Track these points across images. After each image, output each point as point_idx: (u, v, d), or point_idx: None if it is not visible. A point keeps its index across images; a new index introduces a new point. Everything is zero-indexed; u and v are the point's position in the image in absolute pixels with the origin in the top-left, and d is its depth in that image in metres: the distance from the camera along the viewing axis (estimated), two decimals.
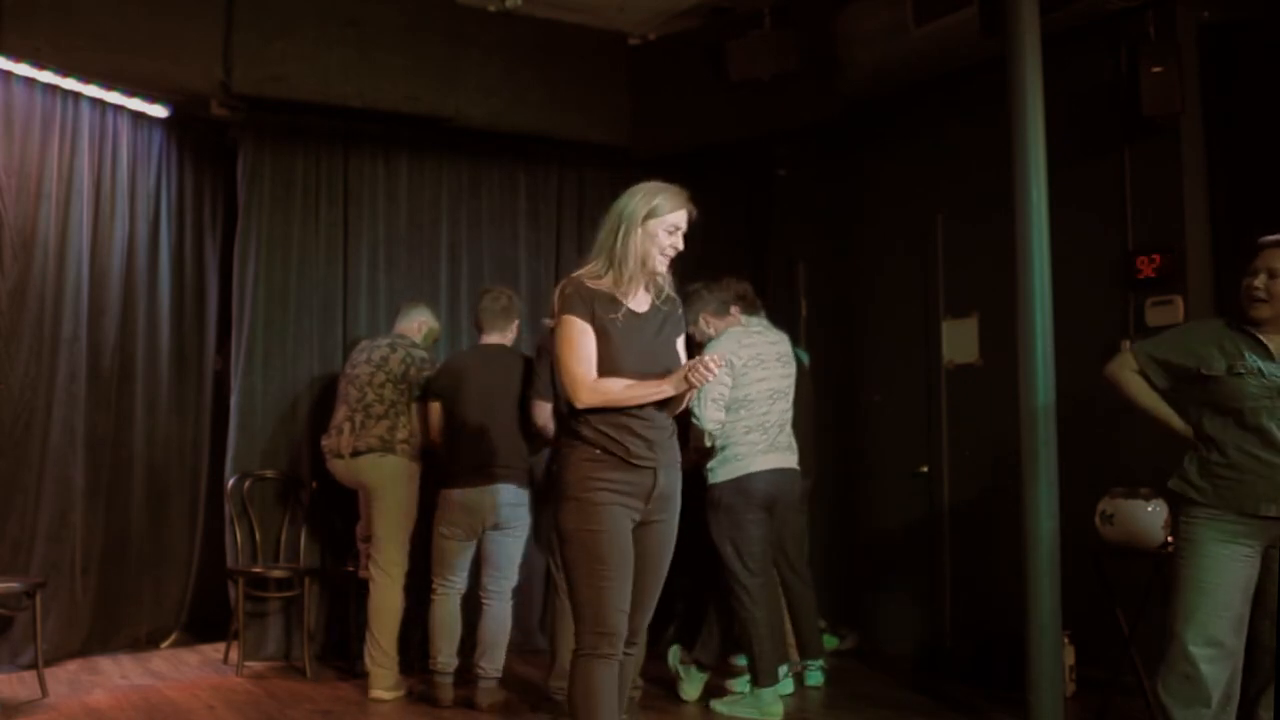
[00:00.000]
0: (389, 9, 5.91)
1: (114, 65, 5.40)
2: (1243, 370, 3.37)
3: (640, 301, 3.25)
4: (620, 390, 3.11)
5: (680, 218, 3.22)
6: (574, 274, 3.24)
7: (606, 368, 3.14)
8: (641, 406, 3.12)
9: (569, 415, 3.20)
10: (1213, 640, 3.33)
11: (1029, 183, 4.27)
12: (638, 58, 6.61)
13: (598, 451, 3.12)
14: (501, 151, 6.53)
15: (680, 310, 3.37)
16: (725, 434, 4.67)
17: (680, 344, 3.35)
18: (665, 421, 3.21)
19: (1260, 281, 3.37)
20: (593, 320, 3.15)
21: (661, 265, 3.23)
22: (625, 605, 3.12)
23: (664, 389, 3.10)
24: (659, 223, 3.19)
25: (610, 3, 6.16)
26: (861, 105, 6.03)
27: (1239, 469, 3.36)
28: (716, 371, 3.04)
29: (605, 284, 3.19)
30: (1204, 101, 4.91)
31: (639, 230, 3.18)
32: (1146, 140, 4.96)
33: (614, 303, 3.19)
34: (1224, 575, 3.35)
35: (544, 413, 4.82)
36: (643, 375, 3.15)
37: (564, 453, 3.21)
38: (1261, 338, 3.40)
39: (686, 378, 3.06)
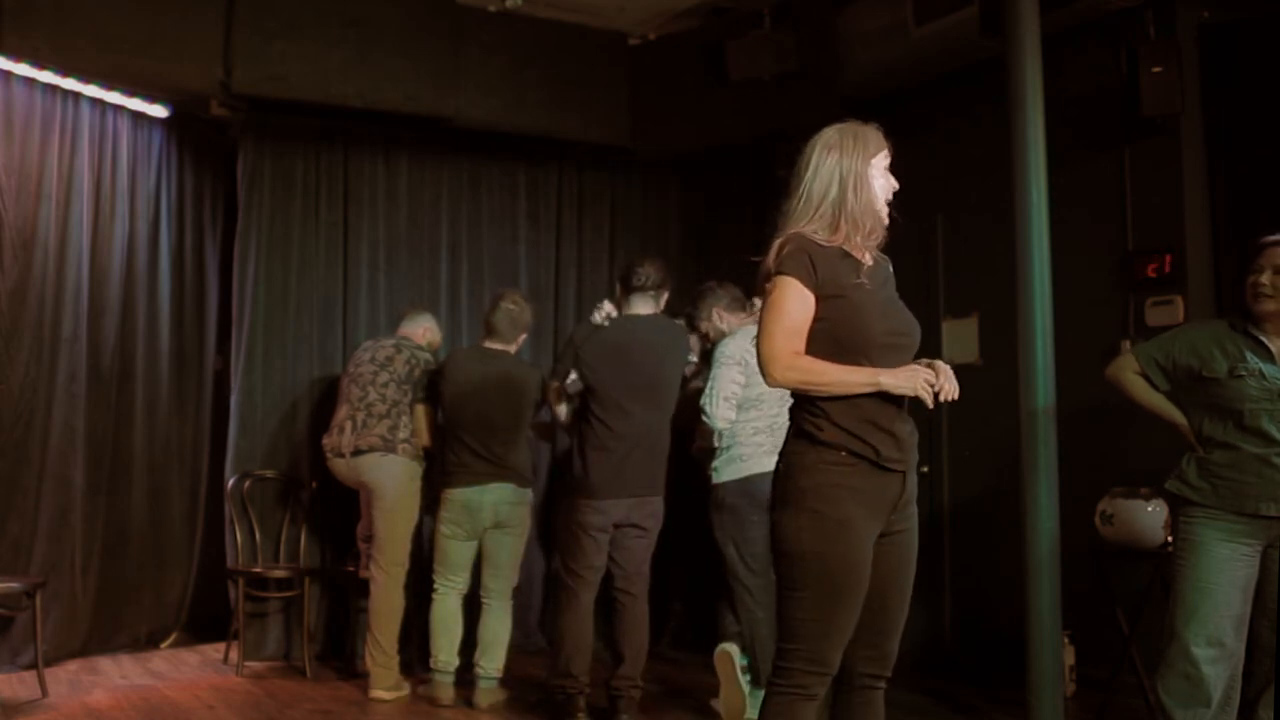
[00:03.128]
0: (389, 9, 5.91)
1: (114, 65, 5.40)
2: (1244, 372, 3.39)
3: (869, 257, 2.78)
4: (824, 373, 2.61)
5: (885, 154, 2.79)
6: (794, 230, 2.73)
7: (852, 337, 2.66)
8: (887, 396, 2.62)
9: (800, 409, 2.71)
10: (1214, 640, 3.33)
11: (1029, 183, 4.26)
12: (638, 58, 6.60)
13: (843, 454, 2.61)
14: (501, 151, 6.53)
15: (890, 265, 2.89)
16: (732, 433, 4.64)
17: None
18: (907, 415, 2.71)
19: (1267, 278, 3.39)
20: (819, 286, 2.65)
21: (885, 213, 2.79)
22: (848, 639, 2.66)
23: (880, 382, 2.59)
24: (875, 166, 2.75)
25: (610, 3, 6.16)
26: (861, 105, 6.01)
27: (1238, 469, 3.38)
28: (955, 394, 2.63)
29: (836, 243, 2.72)
30: (1204, 101, 4.91)
31: (867, 179, 2.72)
32: (1146, 140, 4.95)
33: (851, 262, 2.71)
34: (1224, 575, 3.36)
35: (555, 392, 4.79)
36: (891, 337, 2.71)
37: (796, 453, 2.68)
38: (1263, 339, 3.42)
39: (921, 386, 2.58)
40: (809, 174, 2.74)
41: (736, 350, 4.64)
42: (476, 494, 4.89)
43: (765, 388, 4.65)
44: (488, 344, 5.08)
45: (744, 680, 4.62)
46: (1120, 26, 4.98)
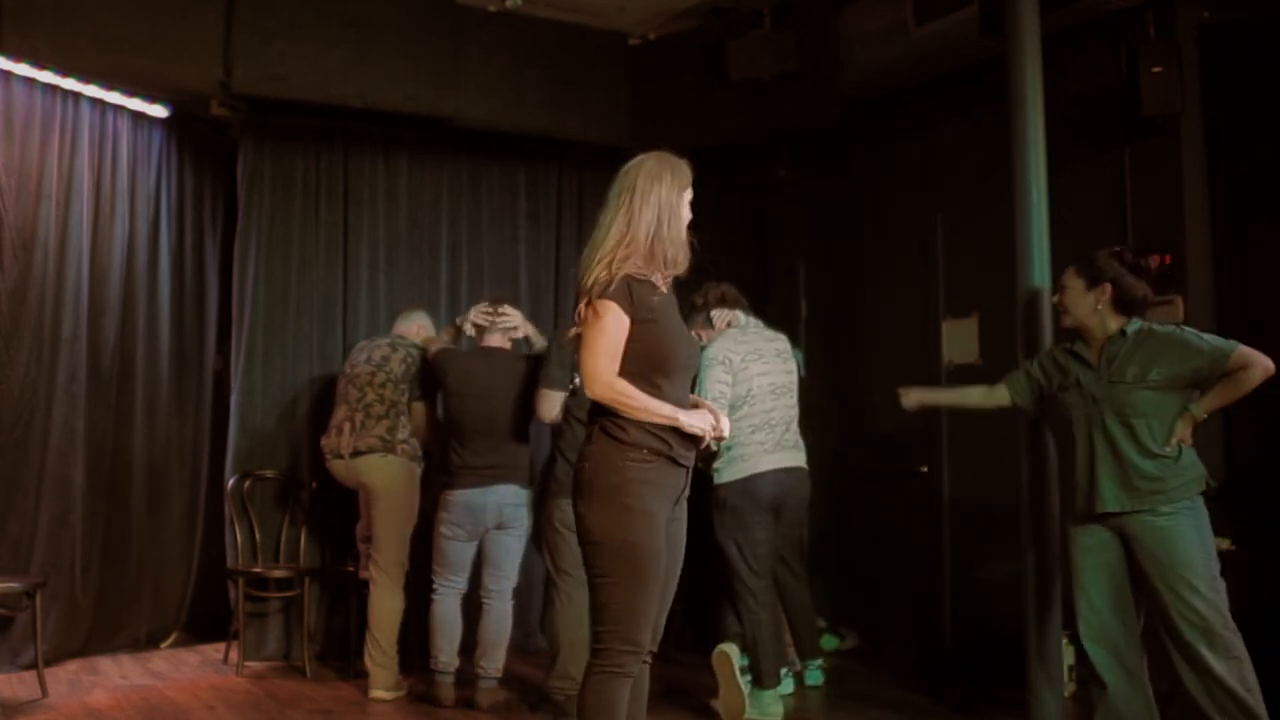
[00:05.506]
0: (389, 9, 5.91)
1: (114, 65, 5.40)
2: (1067, 385, 3.80)
3: (665, 288, 3.07)
4: (636, 399, 2.90)
5: (690, 189, 3.10)
6: (616, 256, 2.99)
7: (660, 359, 2.97)
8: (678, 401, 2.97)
9: (603, 415, 2.96)
10: (1089, 619, 3.70)
11: (1029, 183, 4.27)
12: (638, 58, 6.60)
13: (645, 452, 2.91)
14: (501, 151, 6.53)
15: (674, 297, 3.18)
16: (731, 434, 4.62)
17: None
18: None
19: (1057, 298, 3.88)
20: (635, 311, 2.94)
21: None
22: (653, 618, 2.97)
23: (679, 420, 2.92)
24: (684, 200, 3.06)
25: (610, 3, 6.17)
26: (861, 105, 6.03)
27: (1073, 474, 3.76)
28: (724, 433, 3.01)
29: (648, 273, 3.00)
30: (1204, 101, 4.90)
31: (679, 213, 3.03)
32: (1146, 140, 4.95)
33: (653, 290, 3.00)
34: (1089, 557, 3.72)
35: (552, 402, 4.72)
36: (688, 360, 3.07)
37: (604, 453, 2.94)
38: (1082, 353, 3.78)
39: (709, 430, 2.96)
40: (637, 201, 2.99)
41: (719, 351, 4.67)
42: (480, 496, 4.89)
43: (753, 383, 4.70)
44: (483, 344, 5.07)
45: (744, 681, 4.62)
46: (1120, 26, 4.97)
